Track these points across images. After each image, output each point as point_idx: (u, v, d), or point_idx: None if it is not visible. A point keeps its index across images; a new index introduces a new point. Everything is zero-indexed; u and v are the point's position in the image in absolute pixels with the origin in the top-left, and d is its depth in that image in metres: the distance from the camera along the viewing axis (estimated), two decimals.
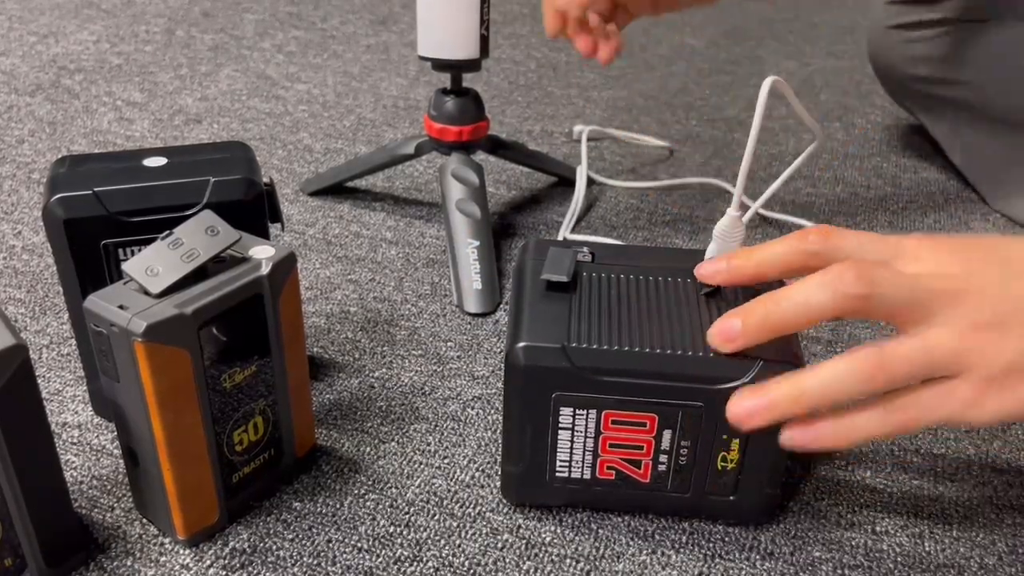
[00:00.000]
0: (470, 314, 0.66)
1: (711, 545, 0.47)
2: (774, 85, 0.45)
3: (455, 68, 0.70)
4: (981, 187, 0.84)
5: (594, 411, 0.44)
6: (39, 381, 0.57)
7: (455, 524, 0.48)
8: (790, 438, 0.41)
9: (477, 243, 0.69)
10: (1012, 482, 0.52)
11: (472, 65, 0.70)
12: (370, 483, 0.50)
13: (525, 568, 0.45)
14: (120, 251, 0.47)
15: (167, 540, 0.46)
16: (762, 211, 0.80)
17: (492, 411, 0.56)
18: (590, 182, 0.84)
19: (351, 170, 0.79)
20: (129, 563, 0.45)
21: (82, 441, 0.52)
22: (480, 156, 0.76)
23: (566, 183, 0.84)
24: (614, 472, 0.46)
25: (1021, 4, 0.79)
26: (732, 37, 1.22)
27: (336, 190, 0.82)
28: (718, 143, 0.94)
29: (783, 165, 0.89)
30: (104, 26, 1.14)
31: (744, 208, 0.51)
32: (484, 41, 0.69)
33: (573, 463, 0.46)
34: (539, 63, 1.12)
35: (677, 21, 1.23)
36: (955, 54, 0.82)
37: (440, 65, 0.70)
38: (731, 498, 0.46)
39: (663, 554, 0.47)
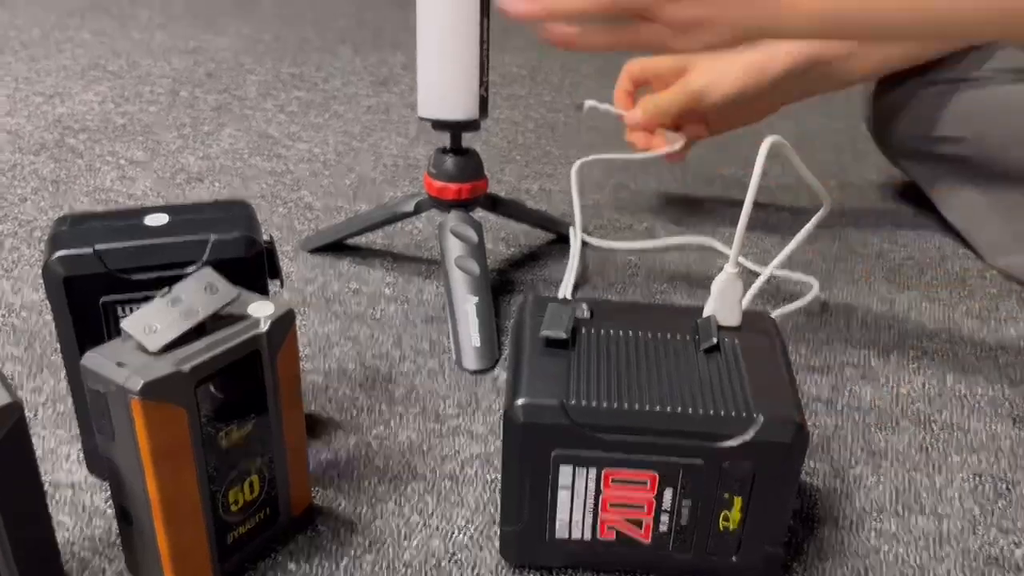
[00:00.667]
0: (469, 371, 0.65)
1: None
2: (776, 145, 0.45)
3: (455, 128, 0.71)
4: (978, 244, 0.84)
5: (594, 469, 0.43)
6: (34, 440, 0.56)
7: None
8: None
9: (476, 299, 0.69)
10: (1019, 541, 0.51)
11: (471, 125, 0.71)
12: (367, 544, 0.49)
13: None
14: (119, 308, 0.47)
15: None
16: (752, 266, 0.80)
17: (491, 470, 0.56)
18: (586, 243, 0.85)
19: (351, 227, 0.80)
20: None
21: (75, 501, 0.52)
22: (479, 214, 0.76)
23: (565, 240, 0.84)
24: (615, 532, 0.45)
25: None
26: None
27: (336, 247, 0.82)
28: (714, 201, 0.94)
29: (780, 222, 0.90)
30: (110, 87, 1.16)
31: (742, 267, 0.51)
32: (483, 102, 0.70)
33: (573, 523, 0.45)
34: (537, 124, 1.14)
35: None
36: (950, 113, 0.83)
37: (440, 125, 0.71)
38: (733, 559, 0.46)
39: None
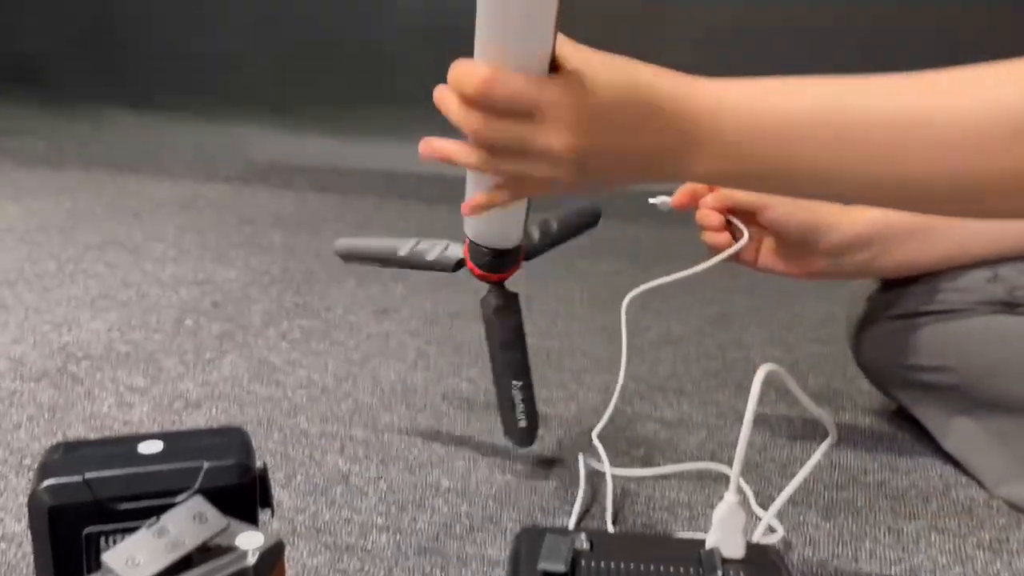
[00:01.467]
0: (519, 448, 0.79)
1: None
2: (771, 373, 0.46)
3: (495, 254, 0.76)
4: (979, 474, 0.83)
5: None
6: None
7: None
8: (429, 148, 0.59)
9: (520, 383, 0.78)
10: None
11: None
12: None
13: None
14: (103, 539, 0.46)
15: None
16: (756, 508, 0.78)
17: None
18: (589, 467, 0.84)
19: (388, 252, 0.83)
20: None
21: None
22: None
23: (572, 471, 0.83)
24: None
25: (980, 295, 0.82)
26: (717, 324, 1.27)
27: (329, 475, 0.81)
28: (711, 427, 0.94)
29: (777, 447, 0.89)
30: (118, 315, 1.19)
31: (743, 495, 0.50)
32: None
33: None
34: (534, 350, 1.16)
35: (664, 310, 1.29)
36: (932, 345, 0.85)
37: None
38: None
39: None
